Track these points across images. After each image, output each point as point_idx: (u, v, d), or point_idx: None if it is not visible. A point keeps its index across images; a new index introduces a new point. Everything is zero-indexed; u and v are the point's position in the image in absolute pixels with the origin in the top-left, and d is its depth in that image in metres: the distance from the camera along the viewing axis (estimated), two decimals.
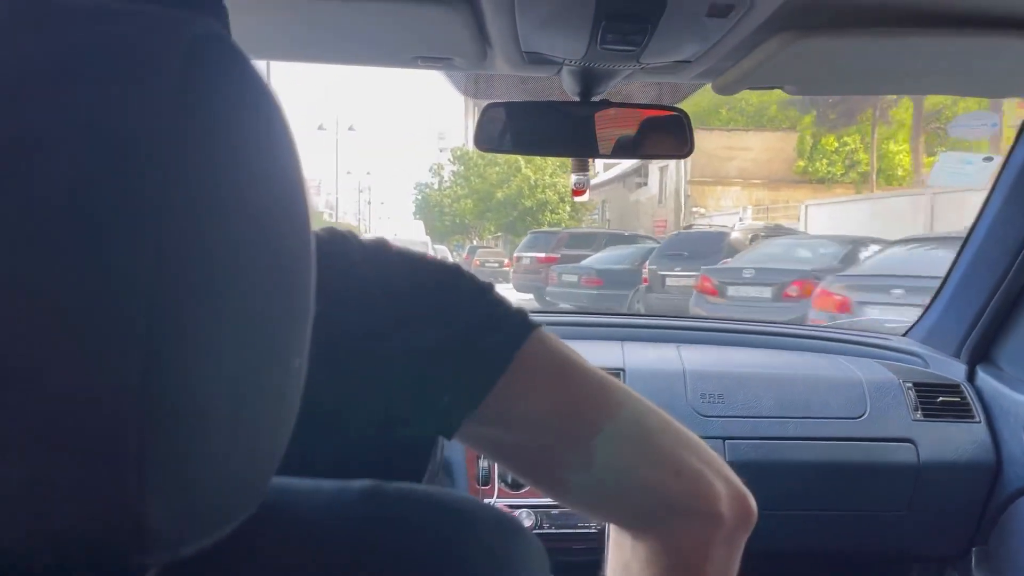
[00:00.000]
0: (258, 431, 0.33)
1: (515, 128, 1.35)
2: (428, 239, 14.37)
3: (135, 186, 0.27)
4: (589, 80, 1.25)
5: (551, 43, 1.09)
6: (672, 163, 22.11)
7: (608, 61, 1.13)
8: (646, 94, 1.54)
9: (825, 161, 23.46)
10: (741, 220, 18.41)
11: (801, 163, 23.51)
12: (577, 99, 1.31)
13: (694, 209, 22.95)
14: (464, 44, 1.07)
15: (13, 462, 0.26)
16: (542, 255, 15.09)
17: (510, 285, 19.08)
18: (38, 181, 0.26)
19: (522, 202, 27.01)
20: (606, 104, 1.31)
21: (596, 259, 13.70)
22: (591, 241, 15.74)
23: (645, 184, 26.51)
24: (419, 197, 36.20)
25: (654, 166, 24.41)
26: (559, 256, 14.71)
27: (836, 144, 23.47)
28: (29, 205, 0.26)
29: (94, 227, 0.26)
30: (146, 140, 0.27)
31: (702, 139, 20.15)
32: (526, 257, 15.75)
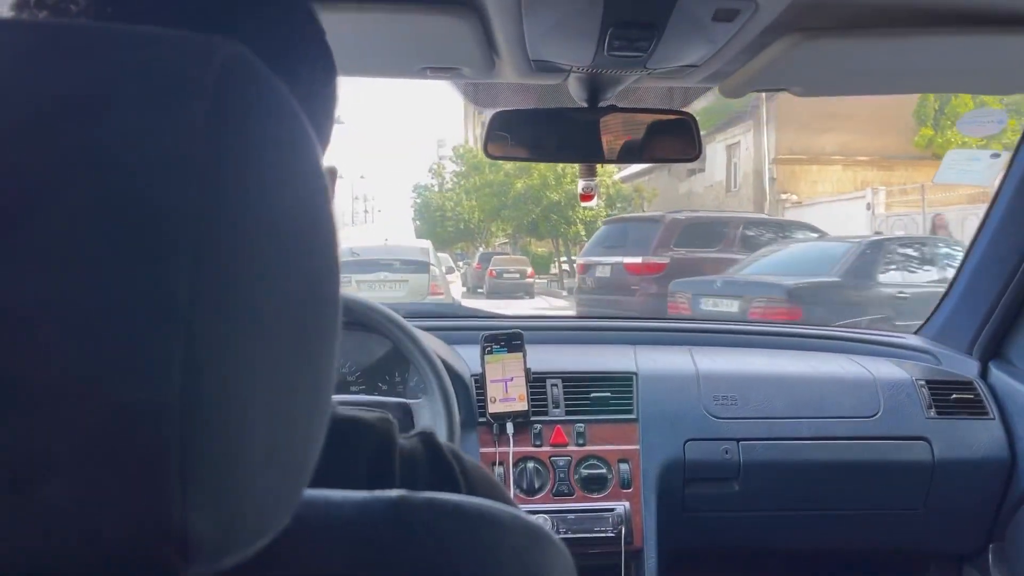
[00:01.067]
0: (292, 444, 0.33)
1: (523, 135, 1.36)
2: (429, 244, 12.16)
3: (172, 208, 0.28)
4: (596, 86, 1.26)
5: (558, 51, 1.09)
6: (744, 138, 18.52)
7: (615, 67, 1.14)
8: (654, 98, 1.55)
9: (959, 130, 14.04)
10: (870, 209, 13.96)
11: (926, 132, 16.07)
12: (585, 105, 1.31)
13: (782, 196, 17.35)
14: (472, 53, 1.08)
15: (60, 478, 0.27)
16: (636, 260, 9.32)
17: (539, 300, 17.45)
18: (77, 205, 0.27)
19: (547, 195, 22.07)
20: (613, 109, 1.32)
21: (768, 266, 8.14)
22: (721, 232, 9.92)
23: (702, 171, 20.70)
24: (418, 201, 32.61)
25: (718, 144, 19.40)
26: (667, 262, 9.10)
27: (973, 106, 14.87)
28: (69, 228, 0.27)
29: (132, 249, 0.27)
30: (181, 162, 0.28)
31: (790, 105, 15.44)
32: (603, 264, 9.98)
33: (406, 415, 1.37)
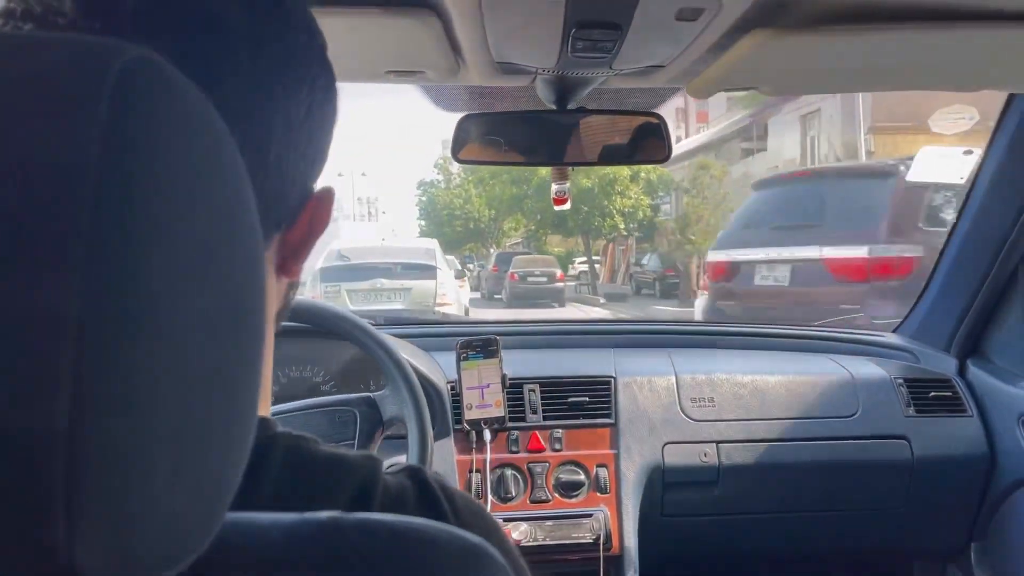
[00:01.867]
0: (205, 466, 0.31)
1: (492, 139, 1.34)
2: (435, 244, 10.37)
3: (62, 220, 0.26)
4: (564, 88, 1.25)
5: (522, 52, 1.08)
6: (826, 105, 15.15)
7: (581, 68, 1.13)
8: (623, 99, 1.54)
9: None
10: None
11: None
12: (554, 107, 1.30)
13: None
14: (435, 56, 1.07)
15: None
16: (855, 253, 5.27)
17: (570, 309, 15.55)
18: None
19: (577, 180, 18.82)
20: (583, 111, 1.31)
21: None
22: None
23: (763, 150, 17.47)
24: (423, 199, 29.94)
25: (788, 116, 16.34)
26: (919, 255, 5.08)
27: None
28: None
29: (19, 263, 0.26)
30: (75, 172, 0.26)
31: None
32: (769, 262, 5.92)
33: (372, 408, 1.35)
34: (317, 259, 9.30)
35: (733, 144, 19.57)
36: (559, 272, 17.60)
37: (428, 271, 9.30)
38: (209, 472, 0.32)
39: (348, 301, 8.77)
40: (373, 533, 0.39)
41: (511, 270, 17.51)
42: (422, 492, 0.49)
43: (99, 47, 0.29)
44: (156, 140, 0.29)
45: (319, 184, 0.51)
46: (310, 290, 8.86)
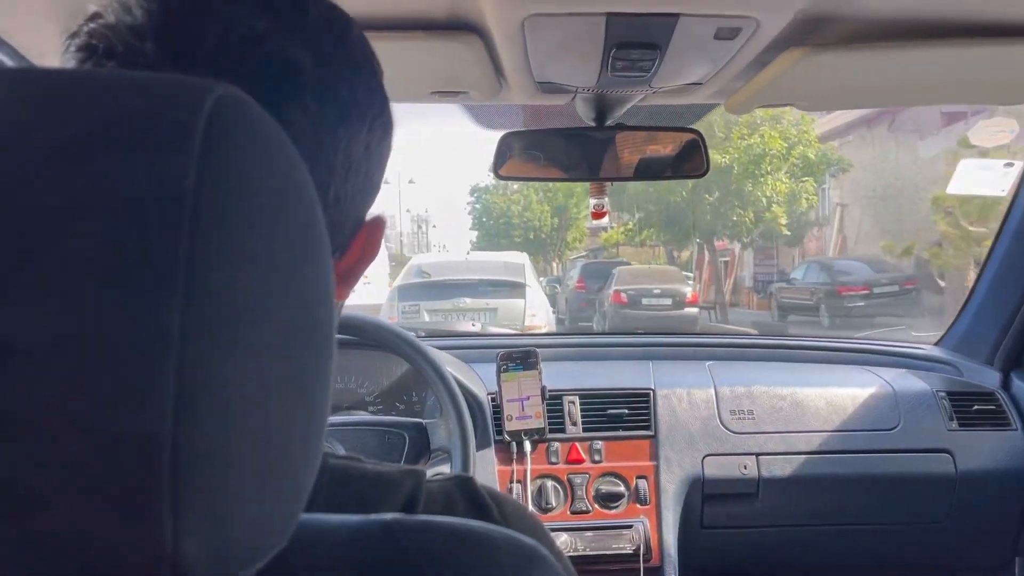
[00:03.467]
0: (286, 469, 0.34)
1: (533, 155, 1.37)
2: (525, 258, 9.16)
3: (163, 246, 0.29)
4: (603, 106, 1.27)
5: (563, 72, 1.11)
6: None
7: (620, 87, 1.15)
8: (662, 115, 1.56)
9: None
10: None
11: None
12: (593, 124, 1.33)
13: None
14: (478, 76, 1.10)
15: (54, 507, 0.28)
16: None
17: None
18: (72, 245, 0.29)
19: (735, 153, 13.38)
20: (621, 128, 1.33)
21: None
22: None
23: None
24: (477, 207, 26.65)
25: None
26: None
27: None
28: (64, 267, 0.28)
29: (126, 286, 0.29)
30: (173, 201, 0.29)
31: None
32: None
33: (421, 434, 1.39)
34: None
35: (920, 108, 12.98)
36: (689, 291, 12.72)
37: (517, 289, 8.33)
38: (289, 473, 0.35)
39: (428, 322, 8.01)
40: (434, 534, 0.41)
41: (614, 288, 12.42)
42: (471, 499, 0.51)
43: (192, 85, 0.32)
44: (244, 170, 0.32)
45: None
46: (387, 310, 8.31)
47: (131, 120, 0.31)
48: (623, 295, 11.99)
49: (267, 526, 0.34)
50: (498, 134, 1.30)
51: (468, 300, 8.17)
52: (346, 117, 0.47)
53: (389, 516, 0.41)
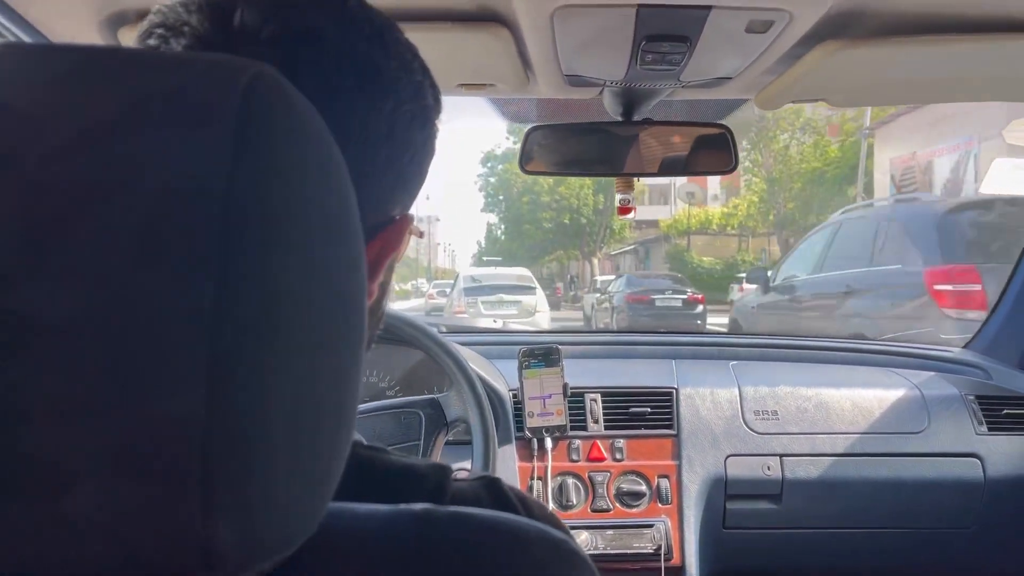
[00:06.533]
0: (316, 456, 0.34)
1: (560, 149, 1.36)
2: (528, 272, 12.88)
3: (196, 225, 0.29)
4: (631, 100, 1.26)
5: (591, 65, 1.10)
6: None
7: (649, 80, 1.14)
8: (690, 110, 1.54)
9: None
10: None
11: None
12: (620, 119, 1.32)
13: None
14: (506, 69, 1.09)
15: (85, 489, 0.28)
16: None
17: None
18: (104, 223, 0.28)
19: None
20: (649, 123, 1.32)
21: None
22: None
23: None
24: (491, 180, 21.46)
25: None
26: None
27: None
28: (96, 245, 0.28)
29: (158, 265, 0.28)
30: (207, 180, 0.29)
31: None
32: None
33: (436, 410, 1.39)
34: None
35: None
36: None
37: (531, 290, 13.67)
38: (319, 460, 0.34)
39: (481, 308, 12.80)
40: (465, 525, 0.41)
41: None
42: (497, 497, 0.50)
43: (227, 64, 0.32)
44: (278, 150, 0.32)
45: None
46: (456, 302, 13.51)
47: (165, 98, 0.30)
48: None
49: (297, 512, 0.33)
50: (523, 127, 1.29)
51: (504, 296, 13.24)
52: (364, 85, 0.46)
53: (419, 506, 0.41)
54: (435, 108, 0.52)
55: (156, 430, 0.28)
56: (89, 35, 0.96)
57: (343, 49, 0.46)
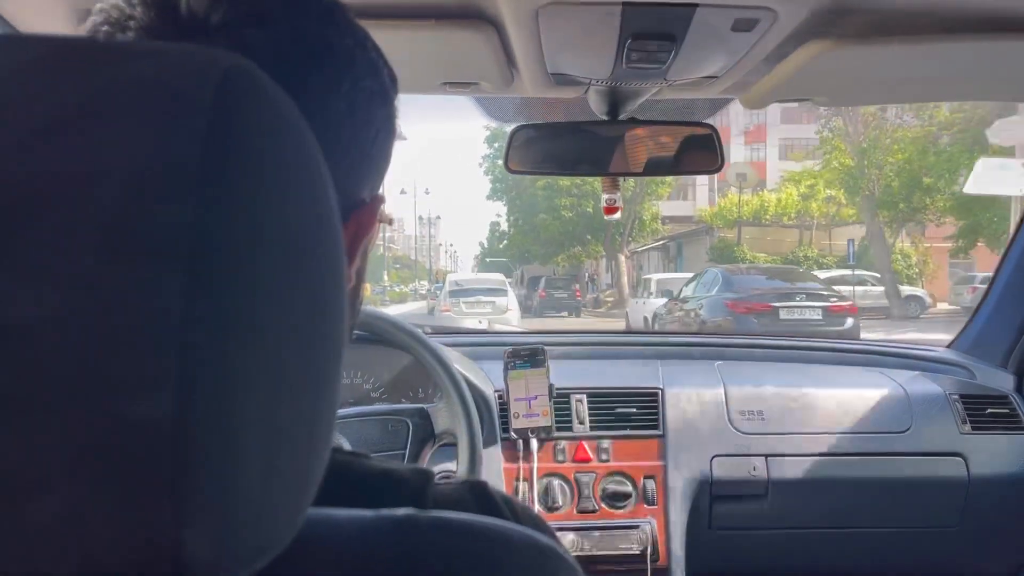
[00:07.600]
0: (293, 461, 0.33)
1: (545, 149, 1.35)
2: (502, 276, 13.99)
3: (166, 223, 0.27)
4: (616, 99, 1.25)
5: (577, 64, 1.09)
6: None
7: (635, 79, 1.14)
8: (675, 110, 1.54)
9: None
10: None
11: None
12: (605, 118, 1.31)
13: None
14: (490, 67, 1.08)
15: (50, 495, 0.27)
16: None
17: None
18: (72, 217, 0.27)
19: None
20: (635, 122, 1.31)
21: None
22: None
23: None
24: (499, 163, 14.32)
25: None
26: None
27: None
28: (62, 242, 0.27)
29: (126, 261, 0.27)
30: (178, 172, 0.28)
31: None
32: None
33: (424, 420, 1.37)
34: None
35: None
36: None
37: (503, 292, 16.56)
38: (296, 466, 0.33)
39: (463, 308, 15.28)
40: (449, 530, 0.40)
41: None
42: (483, 501, 0.49)
43: (201, 56, 0.31)
44: (253, 144, 0.30)
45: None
46: (443, 302, 16.23)
47: (136, 88, 0.29)
48: None
49: (273, 520, 0.32)
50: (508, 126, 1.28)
51: (482, 297, 15.88)
52: (321, 66, 0.45)
53: (401, 512, 0.40)
54: (392, 87, 0.51)
55: (123, 434, 0.27)
56: (62, 29, 0.94)
57: (294, 30, 0.45)
